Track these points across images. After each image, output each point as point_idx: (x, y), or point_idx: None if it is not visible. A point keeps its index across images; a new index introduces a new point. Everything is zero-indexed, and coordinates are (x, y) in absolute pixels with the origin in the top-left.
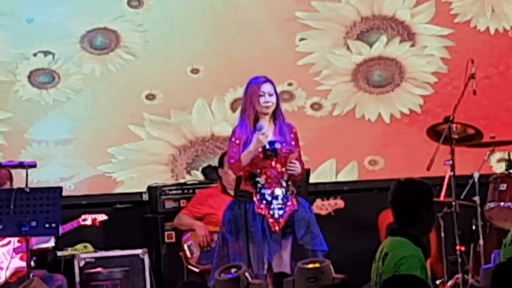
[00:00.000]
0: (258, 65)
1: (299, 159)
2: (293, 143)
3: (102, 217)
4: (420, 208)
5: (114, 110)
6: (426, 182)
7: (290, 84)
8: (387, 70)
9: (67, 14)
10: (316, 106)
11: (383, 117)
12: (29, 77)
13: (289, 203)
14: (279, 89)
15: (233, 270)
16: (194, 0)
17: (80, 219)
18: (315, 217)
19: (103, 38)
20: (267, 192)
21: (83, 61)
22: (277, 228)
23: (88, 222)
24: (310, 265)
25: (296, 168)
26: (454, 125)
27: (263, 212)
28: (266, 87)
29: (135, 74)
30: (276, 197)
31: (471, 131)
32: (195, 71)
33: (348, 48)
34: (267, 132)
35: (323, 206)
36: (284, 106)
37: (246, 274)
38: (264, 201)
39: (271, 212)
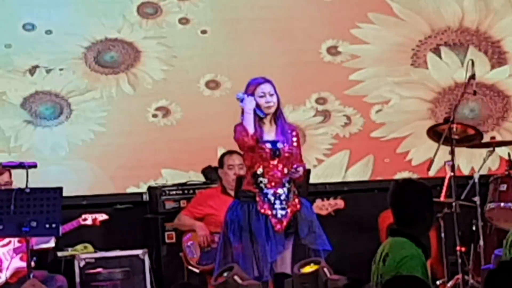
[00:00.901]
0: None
1: (299, 159)
2: (294, 143)
3: (102, 216)
4: (423, 209)
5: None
6: (424, 182)
7: (320, 102)
8: (488, 108)
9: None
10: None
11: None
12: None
13: (291, 203)
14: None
15: (225, 274)
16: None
17: (80, 219)
18: (316, 217)
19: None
20: (270, 192)
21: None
22: (279, 227)
23: (89, 222)
24: (305, 269)
25: (299, 172)
26: (454, 126)
27: (266, 212)
28: (266, 88)
29: None
30: (279, 197)
31: (471, 131)
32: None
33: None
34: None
35: (323, 206)
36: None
37: (236, 277)
38: (267, 201)
39: (274, 212)
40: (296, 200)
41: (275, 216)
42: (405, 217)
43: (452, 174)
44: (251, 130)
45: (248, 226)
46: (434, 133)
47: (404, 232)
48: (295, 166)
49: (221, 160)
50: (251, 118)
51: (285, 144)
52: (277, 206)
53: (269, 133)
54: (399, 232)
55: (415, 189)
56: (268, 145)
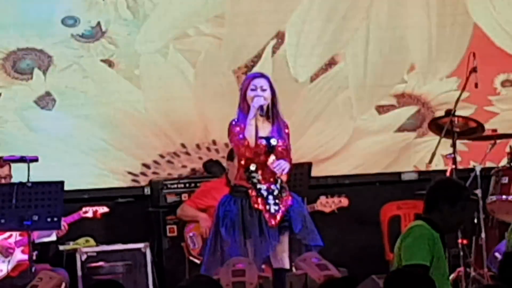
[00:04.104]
0: None
1: (288, 155)
2: (286, 139)
3: (103, 209)
4: (441, 201)
5: None
6: (459, 183)
7: None
8: None
9: None
10: None
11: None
12: None
13: (284, 199)
14: None
15: None
16: None
17: (81, 212)
18: (308, 213)
19: None
20: (263, 187)
21: None
22: (273, 222)
23: (89, 215)
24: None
25: (283, 166)
26: (455, 119)
27: (259, 208)
28: (259, 82)
29: None
30: (272, 192)
31: (472, 124)
32: None
33: None
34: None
35: (327, 204)
36: None
37: None
38: (260, 196)
39: (267, 207)
40: (289, 195)
41: (268, 211)
42: (425, 206)
43: (453, 167)
44: (252, 142)
45: (241, 221)
46: (435, 126)
47: (423, 217)
48: (275, 163)
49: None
50: (253, 129)
51: (279, 141)
52: (271, 201)
53: (263, 129)
54: (419, 217)
55: (440, 183)
56: (263, 142)
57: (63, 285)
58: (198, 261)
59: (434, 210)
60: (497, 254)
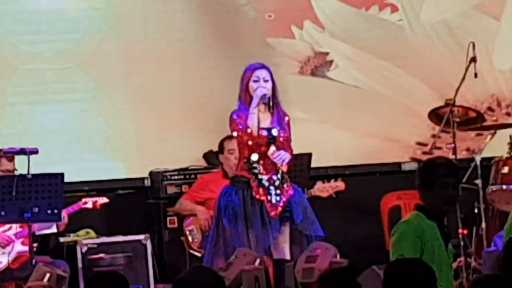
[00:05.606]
0: None
1: (288, 145)
2: (286, 130)
3: (103, 200)
4: (420, 186)
5: None
6: (433, 163)
7: None
8: None
9: None
10: None
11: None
12: None
13: (285, 189)
14: None
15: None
16: None
17: (80, 203)
18: (309, 202)
19: None
20: (265, 178)
21: None
22: (274, 213)
23: (89, 205)
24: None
25: (284, 156)
26: (455, 109)
27: (261, 198)
28: (261, 73)
29: None
30: (273, 183)
31: (472, 114)
32: None
33: None
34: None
35: (324, 189)
36: None
37: None
38: (261, 187)
39: (269, 197)
40: (290, 186)
41: (270, 201)
42: (418, 193)
43: (453, 157)
44: (255, 131)
45: (243, 211)
46: (435, 116)
47: (419, 206)
48: (275, 154)
49: (221, 145)
50: (256, 118)
51: (280, 131)
52: (272, 191)
53: (264, 120)
54: (415, 206)
55: (420, 166)
56: (264, 133)
57: (47, 276)
58: (199, 254)
59: (422, 198)
60: (492, 245)
